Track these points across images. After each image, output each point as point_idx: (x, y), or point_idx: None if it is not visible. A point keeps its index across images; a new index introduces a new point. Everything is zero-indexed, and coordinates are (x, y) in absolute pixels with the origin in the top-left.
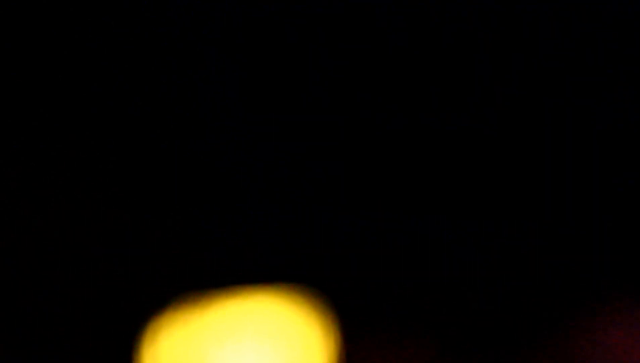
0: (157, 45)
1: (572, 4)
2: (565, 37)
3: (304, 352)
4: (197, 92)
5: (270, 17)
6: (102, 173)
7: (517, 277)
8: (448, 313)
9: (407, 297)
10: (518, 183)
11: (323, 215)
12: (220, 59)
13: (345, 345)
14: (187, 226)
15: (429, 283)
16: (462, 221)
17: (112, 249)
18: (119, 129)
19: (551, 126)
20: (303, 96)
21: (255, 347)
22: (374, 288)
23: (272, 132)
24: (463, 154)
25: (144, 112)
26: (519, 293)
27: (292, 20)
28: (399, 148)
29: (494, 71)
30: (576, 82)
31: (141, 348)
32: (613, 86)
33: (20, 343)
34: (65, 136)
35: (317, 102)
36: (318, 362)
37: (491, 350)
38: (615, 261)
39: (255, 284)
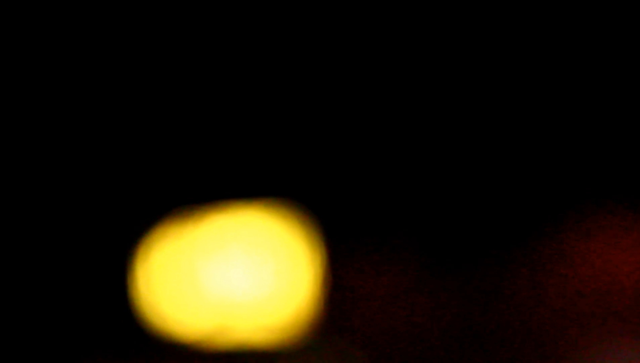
0: (157, 45)
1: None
2: (565, 37)
3: (290, 264)
4: None
5: (270, 17)
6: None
7: (502, 186)
8: (433, 226)
9: (392, 210)
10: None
11: (309, 131)
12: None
13: (332, 258)
14: (178, 144)
15: (414, 196)
16: (448, 132)
17: (105, 166)
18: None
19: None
20: None
21: (244, 260)
22: (359, 202)
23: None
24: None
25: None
26: (503, 202)
27: (292, 20)
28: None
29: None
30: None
31: (134, 261)
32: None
33: (13, 259)
34: None
35: None
36: (304, 274)
37: (476, 261)
38: (600, 168)
39: (244, 199)
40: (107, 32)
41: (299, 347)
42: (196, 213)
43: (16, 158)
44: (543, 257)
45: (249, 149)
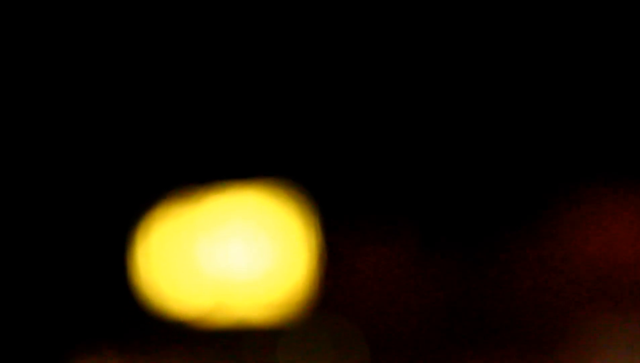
0: (154, 29)
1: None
2: (560, 23)
3: (288, 243)
4: None
5: (270, 17)
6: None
7: (498, 168)
8: (430, 205)
9: (388, 189)
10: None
11: (305, 112)
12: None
13: (328, 237)
14: (179, 125)
15: (410, 176)
16: (445, 114)
17: (105, 146)
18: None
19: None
20: None
21: (242, 239)
22: (356, 181)
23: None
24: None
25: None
26: (500, 183)
27: (292, 21)
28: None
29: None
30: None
31: (134, 240)
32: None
33: (14, 236)
34: None
35: None
36: (301, 252)
37: (473, 240)
38: (594, 150)
39: (242, 180)
40: (100, 16)
41: (296, 324)
42: (195, 193)
43: (16, 137)
44: (539, 239)
45: (247, 131)
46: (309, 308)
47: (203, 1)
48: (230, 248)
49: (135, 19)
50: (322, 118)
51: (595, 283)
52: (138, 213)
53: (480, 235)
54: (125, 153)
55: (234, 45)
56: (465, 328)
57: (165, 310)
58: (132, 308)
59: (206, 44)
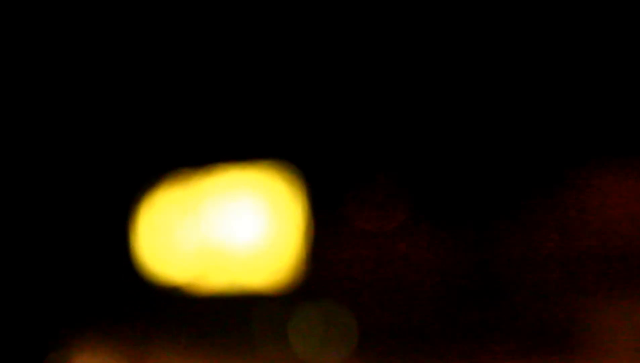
0: (153, 15)
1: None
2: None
3: (280, 218)
4: None
5: (269, 17)
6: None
7: (498, 143)
8: (428, 185)
9: (385, 169)
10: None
11: (297, 94)
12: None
13: (321, 215)
14: (182, 108)
15: (407, 157)
16: (445, 90)
17: (111, 124)
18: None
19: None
20: None
21: (236, 213)
22: (353, 161)
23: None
24: None
25: None
26: (498, 160)
27: (292, 20)
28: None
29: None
30: None
31: (137, 215)
32: None
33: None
34: None
35: None
36: (293, 228)
37: (470, 219)
38: (599, 127)
39: (241, 160)
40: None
41: (286, 291)
42: (195, 173)
43: (18, 116)
44: (539, 216)
45: (243, 117)
46: (299, 286)
47: None
48: (226, 223)
49: (129, 6)
50: (316, 99)
51: (603, 271)
52: (139, 193)
53: (477, 212)
54: (129, 136)
55: (229, 32)
56: (462, 307)
57: (164, 277)
58: (135, 280)
59: (203, 31)
